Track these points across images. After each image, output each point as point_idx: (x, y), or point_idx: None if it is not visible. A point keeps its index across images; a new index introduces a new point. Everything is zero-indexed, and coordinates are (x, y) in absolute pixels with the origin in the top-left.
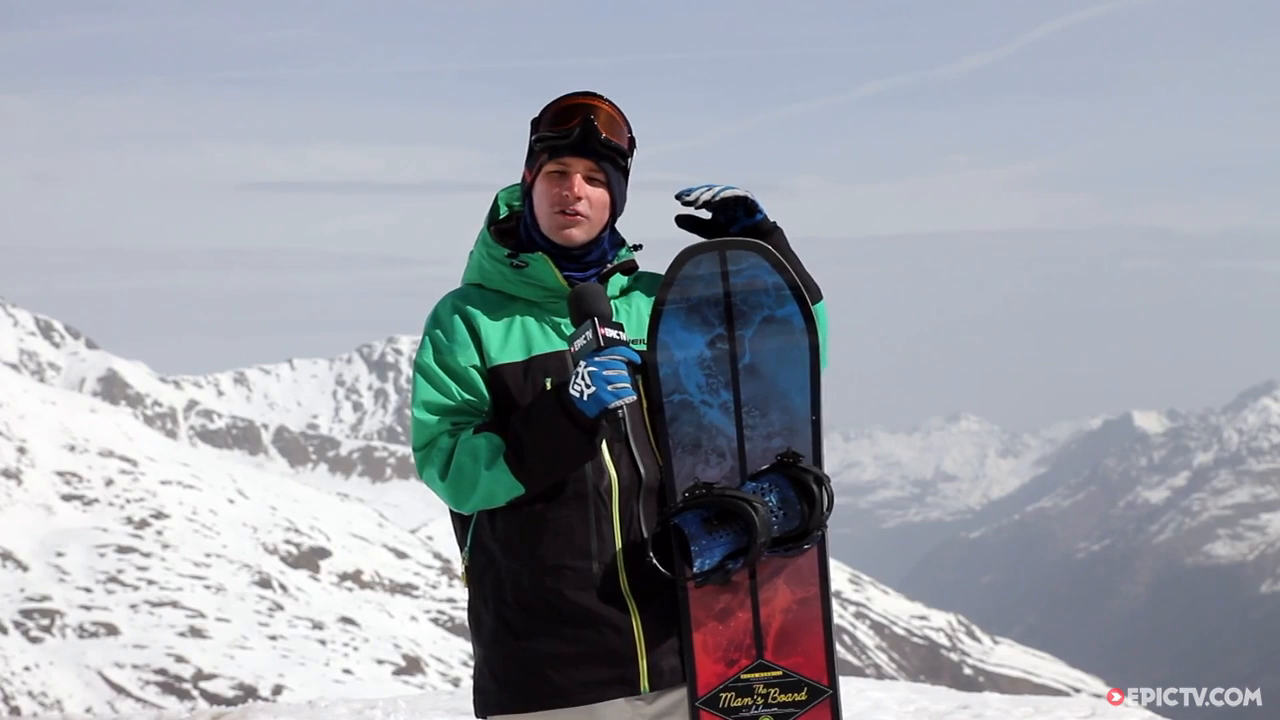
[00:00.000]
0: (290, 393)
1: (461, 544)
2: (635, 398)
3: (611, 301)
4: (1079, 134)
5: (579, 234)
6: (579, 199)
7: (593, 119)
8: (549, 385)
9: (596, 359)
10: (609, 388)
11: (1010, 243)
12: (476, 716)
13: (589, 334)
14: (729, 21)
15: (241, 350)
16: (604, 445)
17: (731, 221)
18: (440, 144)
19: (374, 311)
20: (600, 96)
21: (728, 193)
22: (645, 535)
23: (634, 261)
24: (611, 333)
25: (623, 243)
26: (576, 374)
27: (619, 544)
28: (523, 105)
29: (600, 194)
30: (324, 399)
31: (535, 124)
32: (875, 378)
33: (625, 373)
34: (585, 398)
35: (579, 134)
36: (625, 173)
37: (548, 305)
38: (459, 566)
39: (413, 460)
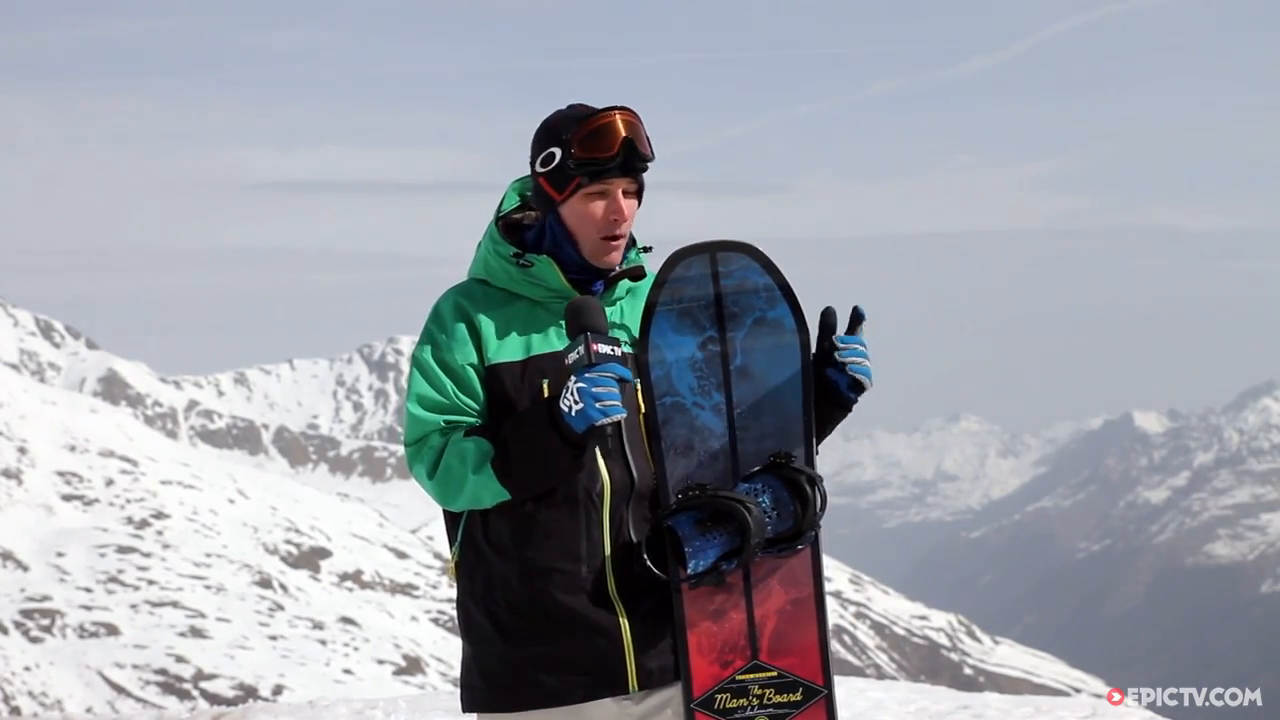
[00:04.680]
0: (290, 393)
1: (452, 539)
2: (624, 415)
3: (618, 302)
4: (1086, 134)
5: (619, 257)
6: (625, 219)
7: (632, 140)
8: (545, 387)
9: (587, 375)
10: (597, 405)
11: (1015, 243)
12: (463, 711)
13: (581, 349)
14: (736, 22)
15: (241, 350)
16: (597, 449)
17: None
18: (445, 144)
19: (374, 311)
20: (623, 109)
21: (861, 375)
22: (633, 538)
23: (642, 268)
24: (604, 348)
25: (630, 241)
26: (567, 389)
27: (607, 548)
28: (528, 106)
29: (633, 205)
30: (324, 399)
31: (561, 138)
32: (876, 377)
33: (615, 390)
34: (573, 414)
35: (622, 158)
36: None
37: (551, 305)
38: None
39: (404, 454)
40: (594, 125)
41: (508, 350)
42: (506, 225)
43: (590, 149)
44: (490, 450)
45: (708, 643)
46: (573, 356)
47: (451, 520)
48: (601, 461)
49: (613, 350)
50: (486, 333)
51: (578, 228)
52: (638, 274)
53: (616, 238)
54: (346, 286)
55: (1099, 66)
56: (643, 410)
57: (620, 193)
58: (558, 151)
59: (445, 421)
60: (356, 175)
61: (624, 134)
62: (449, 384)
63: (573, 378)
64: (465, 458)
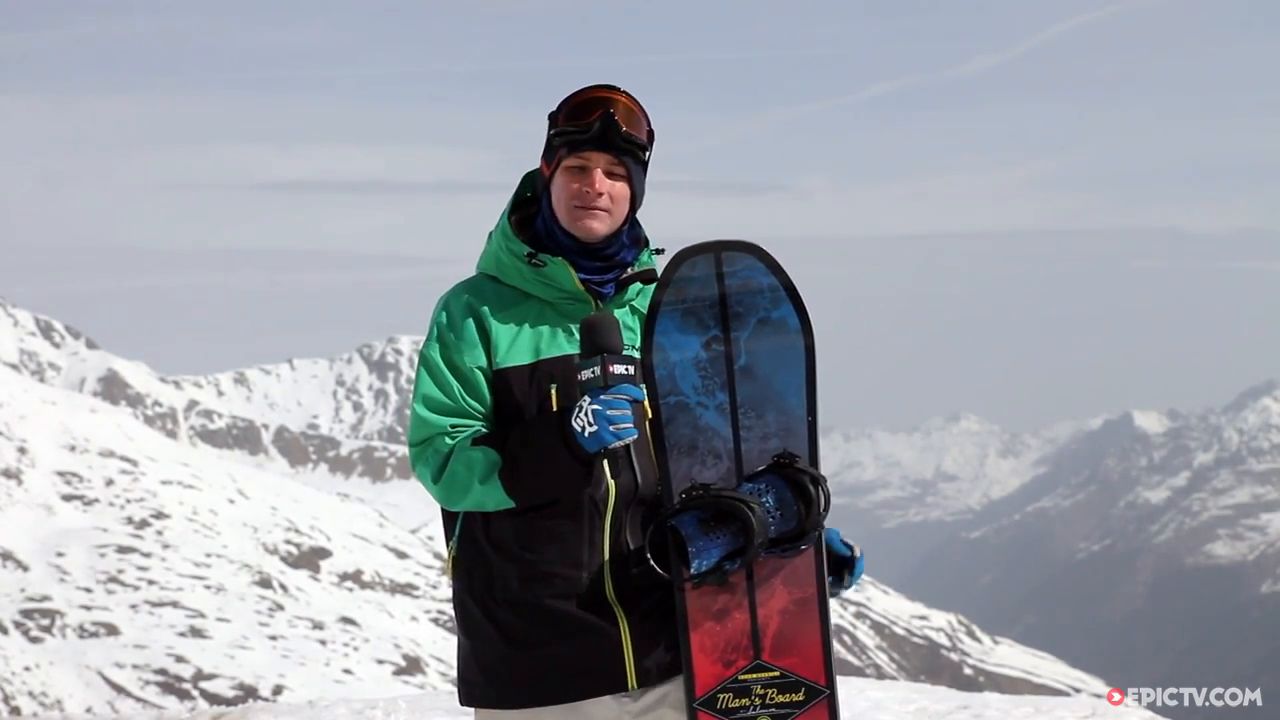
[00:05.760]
0: (290, 393)
1: (449, 534)
2: (636, 437)
3: (628, 304)
4: (1087, 134)
5: (599, 226)
6: (600, 194)
7: (612, 113)
8: (554, 394)
9: (602, 397)
10: (611, 428)
11: (1016, 243)
12: (461, 704)
13: (596, 369)
14: (738, 22)
15: (241, 350)
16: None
17: None
18: (447, 144)
19: (374, 311)
20: (619, 89)
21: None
22: (630, 542)
23: (654, 271)
24: (619, 369)
25: (643, 241)
26: (580, 408)
27: (607, 552)
28: (530, 106)
29: (621, 188)
30: (324, 399)
31: (553, 117)
32: (875, 378)
33: (629, 412)
34: (586, 434)
35: (599, 129)
36: (645, 165)
37: (561, 306)
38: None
39: (407, 454)
40: (580, 99)
41: (517, 353)
42: (519, 220)
43: (570, 119)
44: (498, 461)
45: (710, 642)
46: (587, 375)
47: (449, 514)
48: (607, 467)
49: (627, 370)
50: (496, 334)
51: (557, 199)
52: (649, 277)
53: (587, 208)
54: (346, 286)
55: (1100, 66)
56: (649, 417)
57: (600, 170)
58: (549, 128)
59: (451, 424)
60: (356, 175)
61: (606, 108)
62: (456, 386)
63: (586, 398)
64: (472, 467)
